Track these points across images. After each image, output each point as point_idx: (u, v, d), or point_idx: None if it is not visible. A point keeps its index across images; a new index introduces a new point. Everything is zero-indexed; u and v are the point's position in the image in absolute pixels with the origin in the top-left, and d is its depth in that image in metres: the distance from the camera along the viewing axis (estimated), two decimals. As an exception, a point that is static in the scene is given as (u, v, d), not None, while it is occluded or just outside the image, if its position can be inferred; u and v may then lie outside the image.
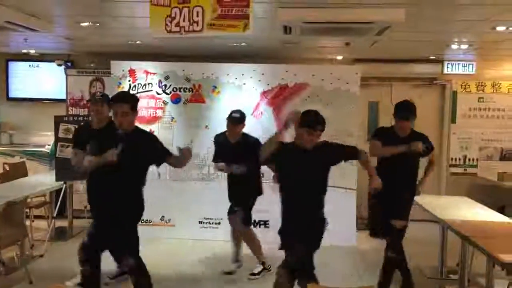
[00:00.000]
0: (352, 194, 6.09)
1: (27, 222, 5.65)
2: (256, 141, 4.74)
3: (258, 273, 4.89)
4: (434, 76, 7.23)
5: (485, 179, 7.03)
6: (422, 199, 4.74)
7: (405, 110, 4.18)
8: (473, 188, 6.31)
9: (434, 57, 6.92)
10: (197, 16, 3.38)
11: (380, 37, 4.95)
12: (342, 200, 6.00)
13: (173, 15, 3.44)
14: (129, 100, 3.71)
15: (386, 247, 4.28)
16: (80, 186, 6.39)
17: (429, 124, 6.69)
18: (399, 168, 4.09)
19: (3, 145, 7.39)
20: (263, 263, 4.94)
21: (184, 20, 3.41)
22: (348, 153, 3.63)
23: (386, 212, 4.18)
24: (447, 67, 7.11)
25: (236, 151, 4.78)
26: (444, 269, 4.97)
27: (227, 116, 4.83)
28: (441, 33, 5.09)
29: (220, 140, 4.98)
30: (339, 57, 7.05)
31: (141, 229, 5.39)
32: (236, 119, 4.77)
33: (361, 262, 5.50)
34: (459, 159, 7.34)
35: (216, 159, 4.97)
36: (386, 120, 5.78)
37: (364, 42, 5.44)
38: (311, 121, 3.39)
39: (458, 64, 7.11)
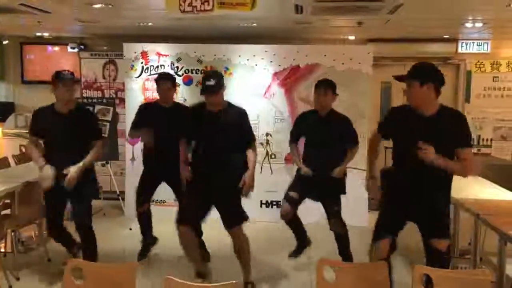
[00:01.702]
0: (362, 175, 6.09)
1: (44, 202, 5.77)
2: (242, 112, 4.03)
3: None
4: (448, 56, 7.12)
5: (499, 159, 6.98)
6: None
7: (410, 72, 3.11)
8: (487, 168, 6.26)
9: (448, 36, 6.83)
10: (208, -6, 3.43)
11: (392, 15, 4.90)
12: (353, 180, 6.02)
13: (186, -6, 3.50)
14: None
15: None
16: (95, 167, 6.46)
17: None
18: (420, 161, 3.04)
19: (19, 127, 7.50)
20: None
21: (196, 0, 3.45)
22: None
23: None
24: (462, 46, 7.03)
25: (218, 125, 3.89)
26: (457, 248, 4.98)
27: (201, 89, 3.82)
28: (455, 11, 5.01)
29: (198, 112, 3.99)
30: (352, 37, 6.99)
31: (156, 209, 5.45)
32: (211, 87, 3.72)
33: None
34: (473, 139, 7.28)
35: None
36: (399, 100, 5.75)
37: (377, 21, 5.39)
38: None
39: (473, 43, 7.01)
